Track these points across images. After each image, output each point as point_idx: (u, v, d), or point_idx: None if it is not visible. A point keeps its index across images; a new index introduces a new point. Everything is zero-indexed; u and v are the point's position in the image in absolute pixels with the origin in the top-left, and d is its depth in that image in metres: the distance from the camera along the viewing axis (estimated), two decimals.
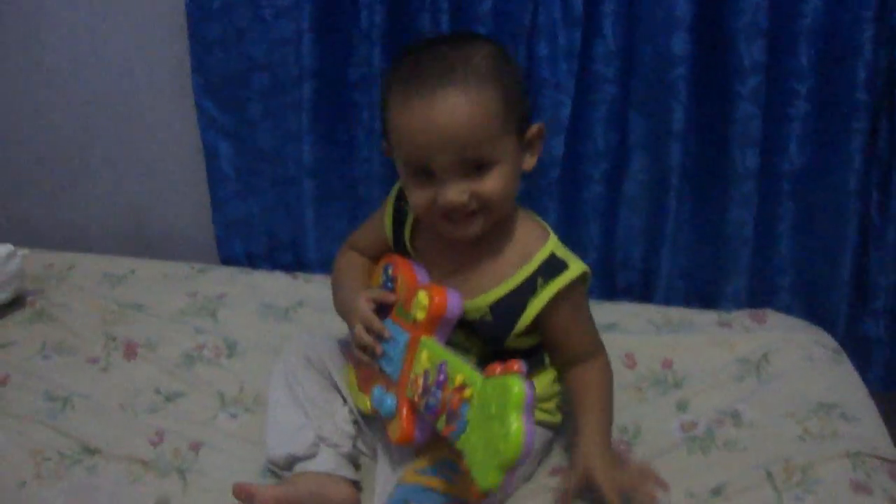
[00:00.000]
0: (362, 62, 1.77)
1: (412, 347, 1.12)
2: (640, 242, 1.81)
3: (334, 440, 1.26)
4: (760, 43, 1.58)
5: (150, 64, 1.93)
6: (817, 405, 1.37)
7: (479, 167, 1.11)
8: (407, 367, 1.12)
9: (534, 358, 1.23)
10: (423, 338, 1.10)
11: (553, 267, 1.17)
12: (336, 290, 1.34)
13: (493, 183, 1.11)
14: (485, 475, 0.90)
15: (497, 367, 0.93)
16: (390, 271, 1.24)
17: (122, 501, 1.26)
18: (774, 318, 1.63)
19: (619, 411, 1.39)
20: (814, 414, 1.35)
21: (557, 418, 1.29)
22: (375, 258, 1.35)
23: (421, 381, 1.07)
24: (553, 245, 1.19)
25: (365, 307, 1.20)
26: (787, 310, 1.73)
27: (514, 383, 0.89)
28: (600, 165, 1.74)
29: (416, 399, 1.07)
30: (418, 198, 1.15)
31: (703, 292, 1.82)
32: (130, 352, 1.59)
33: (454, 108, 1.08)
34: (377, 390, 1.17)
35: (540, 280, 1.16)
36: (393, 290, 1.22)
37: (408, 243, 1.28)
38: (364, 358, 1.21)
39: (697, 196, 1.75)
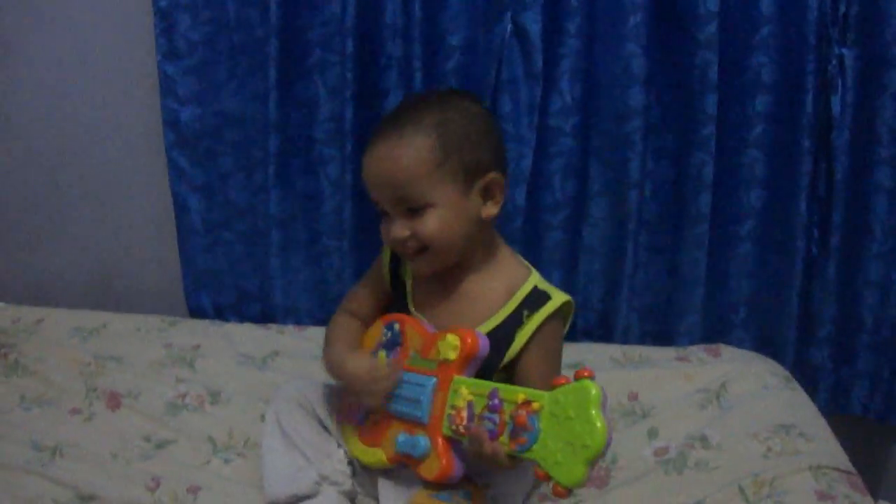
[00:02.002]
0: (331, 118, 1.83)
1: (442, 388, 1.19)
2: (599, 285, 1.88)
3: (334, 479, 1.31)
4: (712, 96, 1.69)
5: (121, 119, 1.96)
6: (777, 426, 1.46)
7: (416, 208, 1.23)
8: (439, 407, 1.18)
9: None
10: (456, 377, 1.17)
11: (537, 299, 1.27)
12: (328, 348, 1.38)
13: (430, 224, 1.23)
14: (571, 472, 0.97)
15: (563, 379, 1.02)
16: (396, 328, 1.32)
17: None
18: (728, 351, 1.74)
19: None
20: (774, 434, 1.44)
21: None
22: (370, 317, 1.41)
23: (465, 413, 1.13)
24: (535, 279, 1.30)
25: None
26: (740, 343, 1.84)
27: (591, 386, 0.98)
28: (559, 214, 1.83)
29: (460, 430, 1.14)
30: (382, 232, 1.29)
31: (658, 331, 1.90)
32: (114, 402, 1.61)
33: (385, 154, 1.23)
34: (402, 436, 1.22)
35: (525, 312, 1.26)
36: (402, 344, 1.30)
37: (407, 281, 1.36)
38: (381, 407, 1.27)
39: (653, 240, 1.84)
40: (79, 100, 1.96)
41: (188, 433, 1.53)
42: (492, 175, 1.26)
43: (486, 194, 1.27)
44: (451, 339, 1.19)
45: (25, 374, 1.69)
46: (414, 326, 1.30)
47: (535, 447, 1.02)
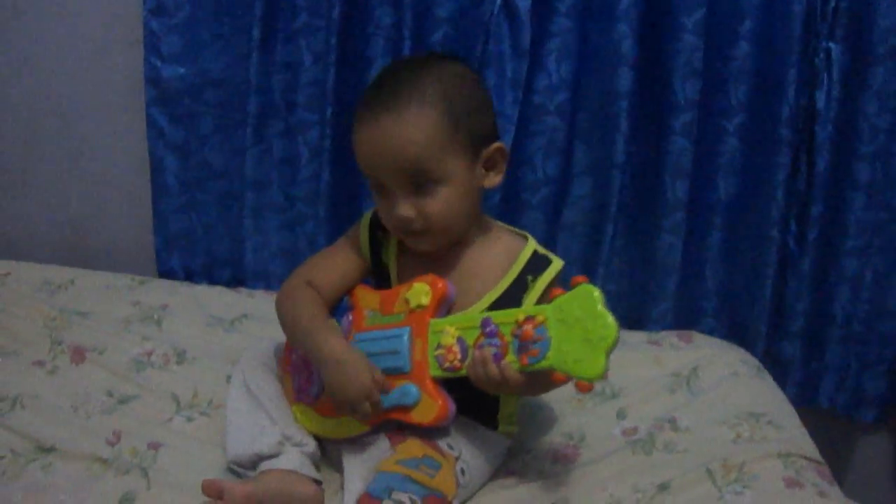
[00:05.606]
0: (313, 83, 1.81)
1: (420, 333, 1.20)
2: (574, 268, 1.85)
3: (298, 439, 1.29)
4: (694, 81, 1.69)
5: (101, 73, 1.92)
6: (746, 414, 1.46)
7: (424, 185, 1.19)
8: (420, 352, 1.20)
9: None
10: (433, 320, 1.20)
11: (538, 263, 1.27)
12: (298, 326, 1.30)
13: (438, 204, 1.20)
14: (594, 365, 1.06)
15: (558, 290, 1.11)
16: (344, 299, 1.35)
17: (84, 498, 1.24)
18: (700, 338, 1.75)
19: (563, 419, 1.49)
20: (744, 421, 1.44)
21: (515, 429, 1.37)
22: (333, 293, 1.35)
23: (456, 348, 1.17)
24: (534, 245, 1.29)
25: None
26: (711, 332, 1.84)
27: (592, 288, 1.07)
28: (538, 193, 1.82)
29: (455, 365, 1.17)
30: (380, 210, 1.26)
31: (630, 315, 1.89)
32: (78, 356, 1.58)
33: (392, 131, 1.17)
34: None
35: (529, 277, 1.25)
36: (353, 307, 1.32)
37: (391, 264, 1.33)
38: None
39: (630, 224, 1.84)
40: (59, 51, 1.92)
41: (152, 390, 1.51)
42: (497, 144, 1.26)
43: (490, 164, 1.26)
44: (420, 286, 1.22)
45: None
46: (364, 288, 1.32)
47: (549, 355, 1.09)
